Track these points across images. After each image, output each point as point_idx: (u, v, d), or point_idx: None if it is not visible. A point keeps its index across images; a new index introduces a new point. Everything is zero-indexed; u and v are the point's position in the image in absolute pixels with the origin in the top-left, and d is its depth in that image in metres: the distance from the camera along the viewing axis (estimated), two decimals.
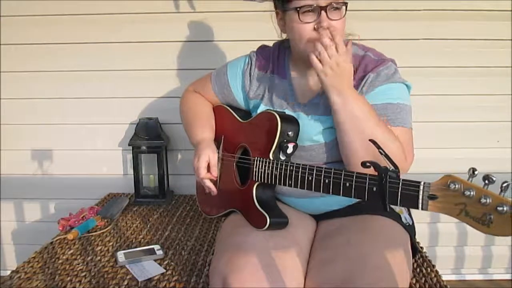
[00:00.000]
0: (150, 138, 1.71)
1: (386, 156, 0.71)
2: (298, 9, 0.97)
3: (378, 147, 0.74)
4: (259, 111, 1.12)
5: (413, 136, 1.03)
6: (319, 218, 1.12)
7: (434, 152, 1.81)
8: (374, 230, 0.98)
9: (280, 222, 0.99)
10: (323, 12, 0.95)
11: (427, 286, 1.11)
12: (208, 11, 1.75)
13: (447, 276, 1.90)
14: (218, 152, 1.17)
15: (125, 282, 1.12)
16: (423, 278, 1.14)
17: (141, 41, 1.79)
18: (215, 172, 1.11)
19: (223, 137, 1.18)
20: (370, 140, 0.78)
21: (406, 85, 1.04)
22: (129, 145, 1.72)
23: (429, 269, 1.18)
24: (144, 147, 1.72)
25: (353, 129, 0.94)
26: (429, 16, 1.73)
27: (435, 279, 1.13)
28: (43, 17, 1.78)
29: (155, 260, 1.23)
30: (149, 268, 1.18)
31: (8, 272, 1.26)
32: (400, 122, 1.00)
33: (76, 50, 1.80)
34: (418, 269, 1.19)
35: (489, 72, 1.77)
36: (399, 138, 0.97)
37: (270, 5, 1.09)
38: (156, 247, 1.30)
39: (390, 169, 0.70)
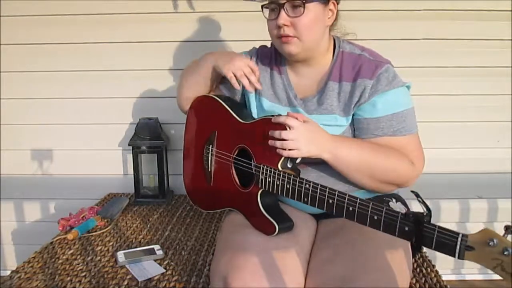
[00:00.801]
0: (150, 138, 1.71)
1: (423, 202, 0.72)
2: (262, 6, 1.04)
3: (417, 195, 0.75)
4: (254, 105, 1.15)
5: (419, 137, 1.05)
6: (319, 217, 1.12)
7: (434, 152, 1.81)
8: (374, 230, 0.98)
9: (287, 227, 0.99)
10: (281, 10, 1.00)
11: (427, 286, 1.11)
12: (208, 11, 1.75)
13: (447, 276, 1.90)
14: (212, 148, 1.17)
15: (125, 282, 1.12)
16: (423, 278, 1.14)
17: (141, 41, 1.79)
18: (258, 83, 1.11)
19: (216, 133, 1.17)
20: (412, 191, 0.78)
21: (406, 86, 1.05)
22: (129, 145, 1.71)
23: (429, 269, 1.18)
24: (144, 147, 1.72)
25: (351, 171, 0.98)
26: (429, 16, 1.73)
27: (435, 279, 1.13)
28: (43, 17, 1.78)
29: (155, 260, 1.23)
30: (149, 268, 1.18)
31: (8, 272, 1.26)
32: (406, 130, 1.01)
33: (76, 50, 1.80)
34: (418, 269, 1.19)
35: (489, 72, 1.77)
36: (407, 146, 1.01)
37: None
38: (156, 247, 1.30)
39: (425, 213, 0.71)
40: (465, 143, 1.84)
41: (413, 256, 1.07)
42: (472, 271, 1.94)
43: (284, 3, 0.99)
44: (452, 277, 1.94)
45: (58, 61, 1.81)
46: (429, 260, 1.23)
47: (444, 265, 1.89)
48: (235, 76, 1.09)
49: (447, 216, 1.87)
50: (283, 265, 0.88)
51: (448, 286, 1.09)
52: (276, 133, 0.93)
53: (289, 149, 0.92)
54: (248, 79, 1.09)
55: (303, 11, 0.99)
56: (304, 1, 0.98)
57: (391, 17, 1.73)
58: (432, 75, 1.78)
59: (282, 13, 0.99)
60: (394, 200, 1.07)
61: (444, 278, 1.14)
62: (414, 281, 1.13)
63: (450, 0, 1.72)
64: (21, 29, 1.80)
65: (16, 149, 1.89)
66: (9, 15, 1.78)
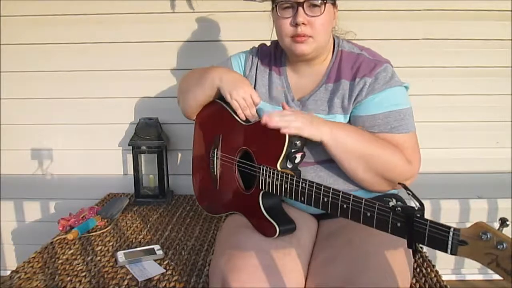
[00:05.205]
0: (150, 138, 1.71)
1: (413, 195, 0.71)
2: (277, 4, 1.02)
3: (406, 188, 0.74)
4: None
5: (417, 138, 1.04)
6: (320, 217, 1.12)
7: (434, 152, 1.81)
8: (374, 230, 0.98)
9: (289, 229, 0.98)
10: (299, 8, 0.98)
11: (427, 286, 1.11)
12: (208, 11, 1.75)
13: (447, 276, 1.90)
14: (217, 151, 1.17)
15: (125, 282, 1.12)
16: (423, 278, 1.14)
17: (141, 41, 1.79)
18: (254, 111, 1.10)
19: (221, 136, 1.17)
20: (399, 183, 0.78)
21: (405, 87, 1.05)
22: (129, 145, 1.71)
23: (429, 269, 1.18)
24: (144, 147, 1.72)
25: (348, 157, 0.97)
26: (429, 16, 1.73)
27: (435, 279, 1.13)
28: (43, 17, 1.78)
29: (155, 260, 1.23)
30: (149, 268, 1.18)
31: (8, 272, 1.26)
32: (404, 128, 1.01)
33: (76, 50, 1.80)
34: (418, 269, 1.19)
35: (489, 72, 1.77)
36: (404, 144, 1.00)
37: (269, 5, 1.09)
38: (156, 247, 1.30)
39: (417, 208, 0.69)
40: (465, 143, 1.84)
41: (413, 256, 1.07)
42: (472, 271, 1.94)
43: (303, 2, 0.98)
44: (452, 277, 1.94)
45: (58, 61, 1.81)
46: (429, 260, 1.23)
47: (444, 265, 1.90)
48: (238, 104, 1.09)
49: (447, 216, 1.87)
50: (282, 266, 0.88)
51: (448, 286, 1.09)
52: (276, 113, 0.94)
53: (297, 121, 0.92)
54: (249, 109, 1.09)
55: (323, 11, 0.99)
56: (325, 1, 0.98)
57: (391, 17, 1.73)
58: (432, 75, 1.78)
59: (301, 11, 0.98)
60: (394, 200, 1.07)
61: (444, 278, 1.14)
62: (414, 281, 1.13)
63: (450, 0, 1.72)
64: (21, 29, 1.80)
65: (16, 149, 1.89)
66: (9, 15, 1.78)
